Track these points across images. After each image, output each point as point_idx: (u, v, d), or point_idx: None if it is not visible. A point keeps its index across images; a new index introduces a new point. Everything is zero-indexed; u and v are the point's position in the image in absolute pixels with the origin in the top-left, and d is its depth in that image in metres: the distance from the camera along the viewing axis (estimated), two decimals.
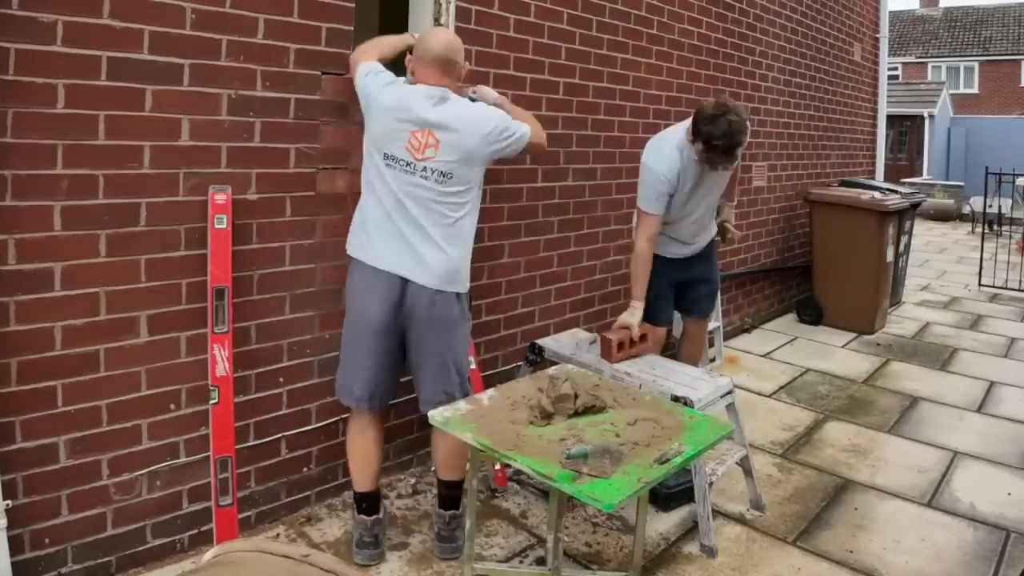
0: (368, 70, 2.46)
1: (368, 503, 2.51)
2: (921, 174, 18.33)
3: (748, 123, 2.86)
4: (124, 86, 2.16)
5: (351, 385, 2.46)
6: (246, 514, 2.60)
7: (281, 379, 2.66)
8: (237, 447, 2.49)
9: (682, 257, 3.29)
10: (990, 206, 9.42)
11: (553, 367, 2.69)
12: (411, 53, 2.50)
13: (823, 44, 6.30)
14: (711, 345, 4.50)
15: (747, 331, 5.54)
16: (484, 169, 2.47)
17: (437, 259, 2.35)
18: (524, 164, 3.45)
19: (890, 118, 9.65)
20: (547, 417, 2.14)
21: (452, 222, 2.38)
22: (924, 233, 11.75)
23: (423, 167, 2.33)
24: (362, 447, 2.51)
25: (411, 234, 2.35)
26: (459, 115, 2.37)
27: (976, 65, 25.16)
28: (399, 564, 2.50)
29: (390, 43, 2.64)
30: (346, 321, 2.49)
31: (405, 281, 2.35)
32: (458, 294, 2.44)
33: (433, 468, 2.69)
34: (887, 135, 8.37)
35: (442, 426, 2.15)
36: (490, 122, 2.41)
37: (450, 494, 2.57)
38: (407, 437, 3.12)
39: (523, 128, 2.50)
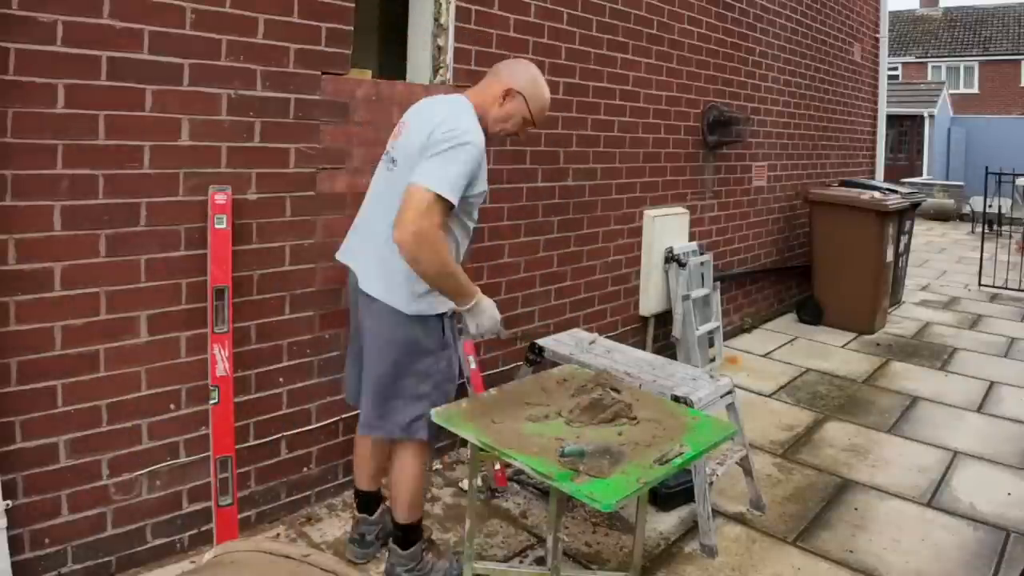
0: None
1: (360, 501, 2.50)
2: (921, 174, 18.34)
3: None
4: (124, 86, 2.16)
5: (346, 381, 2.46)
6: (246, 514, 2.60)
7: (281, 379, 2.66)
8: (237, 447, 2.49)
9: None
10: (990, 206, 9.43)
11: (556, 367, 2.69)
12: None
13: (823, 44, 6.30)
14: (711, 345, 4.50)
15: (747, 331, 5.54)
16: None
17: (380, 263, 2.11)
18: (524, 164, 3.46)
19: (890, 118, 9.64)
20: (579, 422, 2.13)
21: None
22: (924, 233, 11.76)
23: (387, 153, 2.24)
24: (359, 447, 2.48)
25: (362, 228, 2.26)
26: (431, 106, 2.20)
27: (976, 65, 25.17)
28: None
29: None
30: None
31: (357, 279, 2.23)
32: (409, 316, 2.09)
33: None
34: (887, 135, 8.36)
35: (444, 423, 2.14)
36: (443, 119, 2.05)
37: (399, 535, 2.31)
38: None
39: (443, 173, 1.95)
